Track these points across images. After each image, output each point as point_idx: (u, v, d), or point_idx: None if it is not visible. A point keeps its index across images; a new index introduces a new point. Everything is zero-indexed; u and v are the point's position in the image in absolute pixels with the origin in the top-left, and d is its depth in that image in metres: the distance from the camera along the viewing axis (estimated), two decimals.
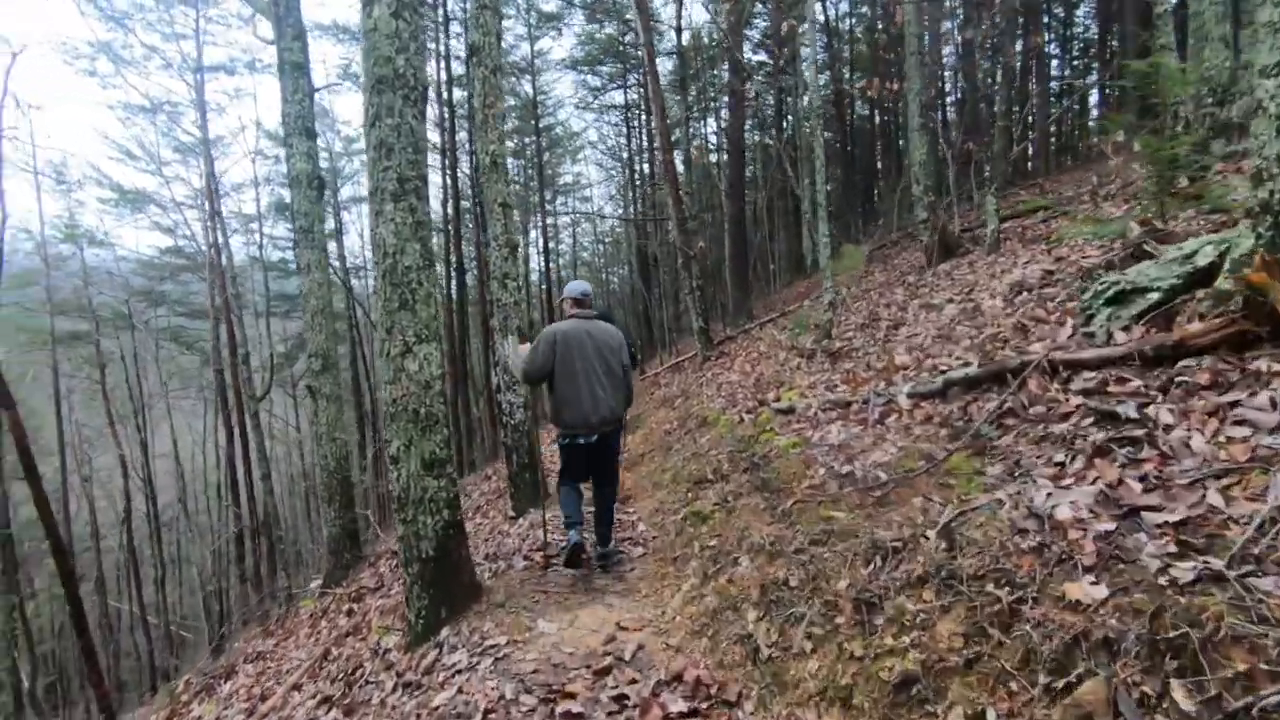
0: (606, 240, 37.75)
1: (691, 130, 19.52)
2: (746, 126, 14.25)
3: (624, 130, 27.91)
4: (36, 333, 20.61)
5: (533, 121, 25.84)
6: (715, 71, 19.42)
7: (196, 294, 22.65)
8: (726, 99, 11.31)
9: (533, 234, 29.44)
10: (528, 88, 25.56)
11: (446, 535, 4.08)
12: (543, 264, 28.84)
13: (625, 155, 29.11)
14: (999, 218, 7.95)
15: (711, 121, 23.97)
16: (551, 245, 31.64)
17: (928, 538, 2.51)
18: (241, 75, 20.13)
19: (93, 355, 21.56)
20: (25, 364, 21.70)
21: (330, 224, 23.70)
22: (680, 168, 18.53)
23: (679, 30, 15.68)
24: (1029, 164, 16.96)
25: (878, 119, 23.18)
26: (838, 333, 7.17)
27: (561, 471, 4.58)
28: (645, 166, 26.93)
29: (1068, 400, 2.95)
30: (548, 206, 29.25)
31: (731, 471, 5.09)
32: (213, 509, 22.17)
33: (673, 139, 13.30)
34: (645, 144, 26.49)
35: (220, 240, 18.35)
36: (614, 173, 31.28)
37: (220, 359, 19.62)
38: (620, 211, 33.75)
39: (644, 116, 26.41)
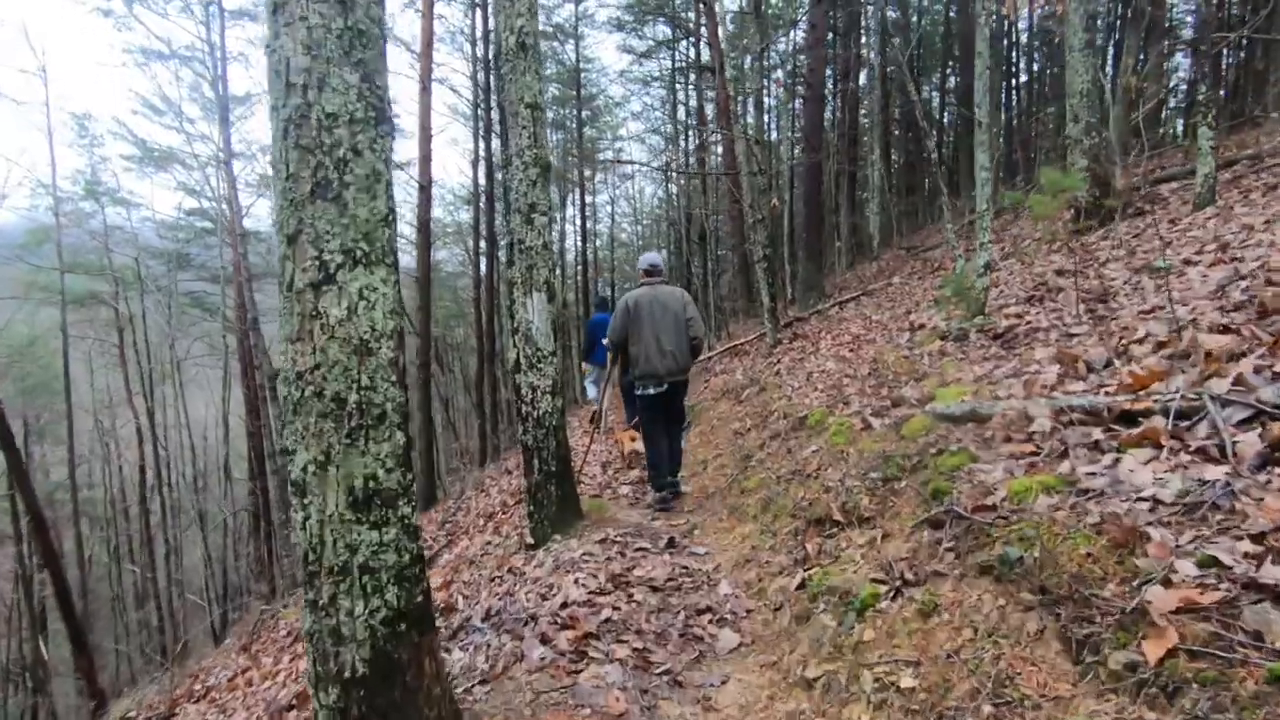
0: (645, 221, 35.64)
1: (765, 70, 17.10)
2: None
3: (670, 102, 25.65)
4: (52, 290, 19.21)
5: (574, 91, 23.75)
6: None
7: (219, 258, 21.05)
8: (802, 30, 9.15)
9: (570, 211, 27.43)
10: (570, 54, 23.47)
11: (391, 645, 2.07)
12: (580, 244, 26.89)
13: (670, 129, 26.87)
14: (1215, 162, 5.70)
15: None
16: (589, 225, 29.65)
17: None
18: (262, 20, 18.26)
19: (112, 317, 20.14)
20: (40, 323, 20.35)
21: None
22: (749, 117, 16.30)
23: None
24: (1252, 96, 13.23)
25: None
26: (995, 307, 5.00)
27: (645, 426, 5.17)
28: (691, 138, 24.77)
29: None
30: (587, 184, 27.24)
31: (882, 513, 3.02)
32: (226, 483, 20.68)
33: (735, 77, 11.06)
34: (692, 115, 24.26)
35: (236, 199, 16.64)
36: (657, 149, 29.04)
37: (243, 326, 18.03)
38: (661, 186, 31.61)
39: (690, 89, 24.16)
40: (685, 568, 3.82)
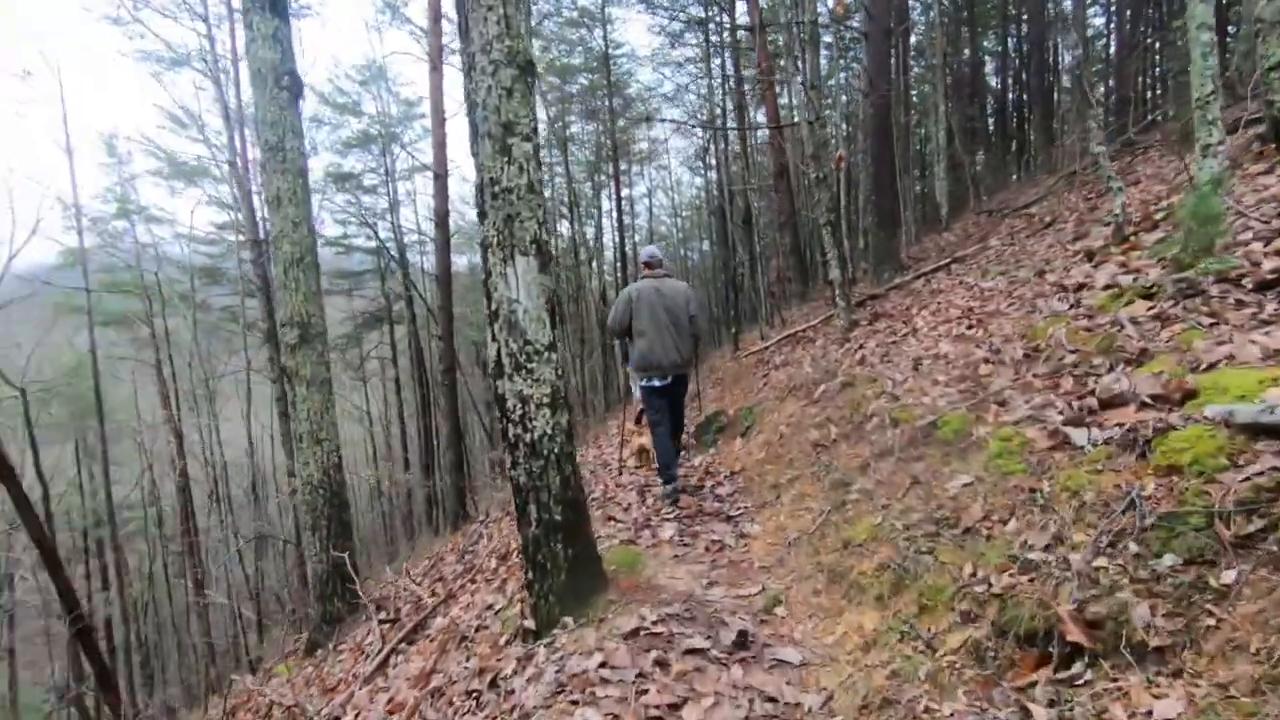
0: (684, 214, 33.94)
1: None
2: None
3: (705, 84, 23.83)
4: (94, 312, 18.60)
5: (604, 79, 22.16)
6: None
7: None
8: None
9: (606, 204, 25.93)
10: (598, 40, 21.89)
11: None
12: (617, 239, 25.35)
13: (705, 114, 25.05)
14: None
15: None
16: (627, 220, 28.07)
17: None
18: None
19: (148, 336, 19.46)
20: (83, 345, 19.81)
21: (384, 196, 20.78)
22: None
23: None
24: None
25: None
26: (1229, 244, 3.16)
27: (650, 416, 4.93)
28: (730, 120, 22.97)
29: None
30: (621, 177, 25.68)
31: (1191, 638, 1.32)
32: (254, 505, 19.79)
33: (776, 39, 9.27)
34: (730, 90, 22.44)
35: (257, 208, 15.58)
36: (693, 137, 27.25)
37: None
38: (700, 173, 29.87)
39: (727, 66, 22.31)
40: (771, 699, 2.17)
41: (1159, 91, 14.76)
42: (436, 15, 11.19)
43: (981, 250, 7.38)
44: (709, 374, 12.31)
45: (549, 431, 3.03)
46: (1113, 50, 16.72)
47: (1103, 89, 14.40)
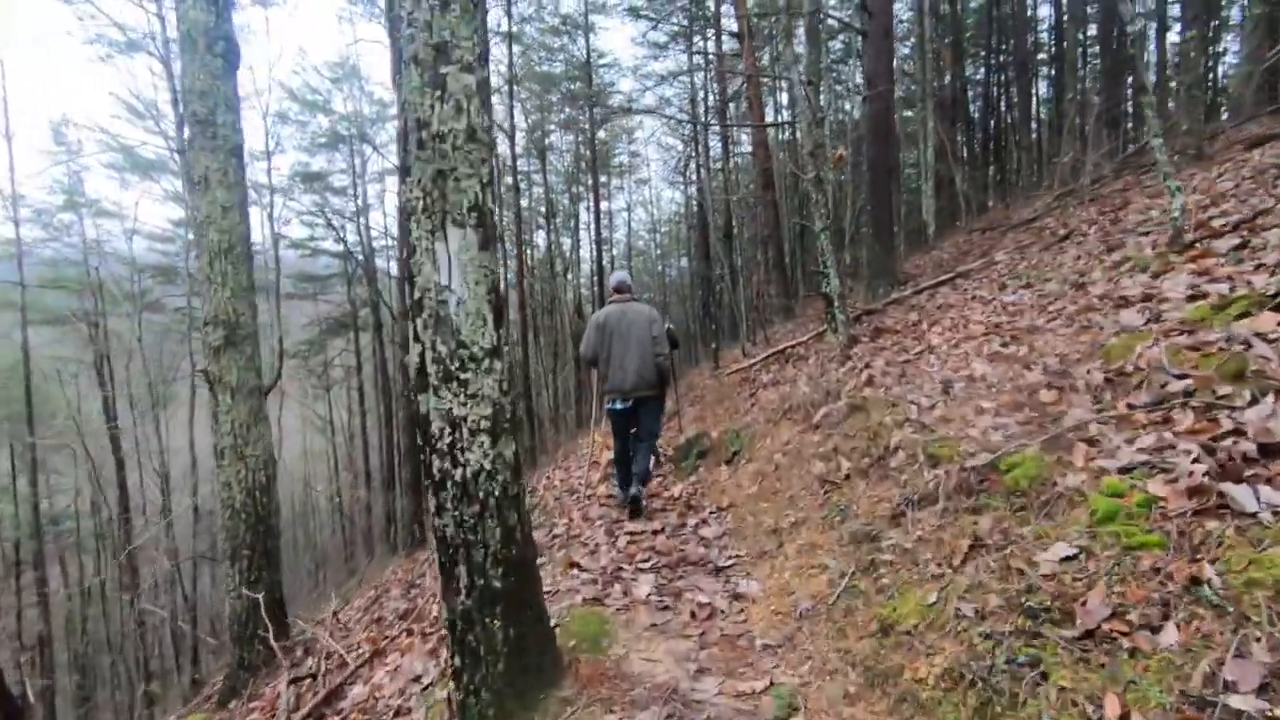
0: (663, 229, 33.37)
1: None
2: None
3: (688, 98, 23.34)
4: (33, 309, 17.25)
5: (586, 88, 21.50)
6: None
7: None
8: None
9: (585, 217, 25.16)
10: (580, 49, 21.21)
11: None
12: (595, 251, 24.56)
13: (689, 129, 24.54)
14: None
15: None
16: (605, 233, 27.33)
17: None
18: (246, 9, 16.19)
19: (91, 337, 18.14)
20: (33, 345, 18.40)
21: (353, 198, 19.71)
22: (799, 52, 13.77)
23: None
24: None
25: None
26: None
27: (614, 437, 4.94)
28: (715, 142, 22.48)
29: None
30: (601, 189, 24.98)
31: None
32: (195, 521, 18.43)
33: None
34: (713, 112, 21.93)
35: None
36: (674, 150, 26.73)
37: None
38: (680, 189, 29.35)
39: (709, 80, 21.82)
40: None
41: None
42: None
43: (988, 265, 6.72)
44: (687, 391, 11.53)
45: (488, 466, 2.19)
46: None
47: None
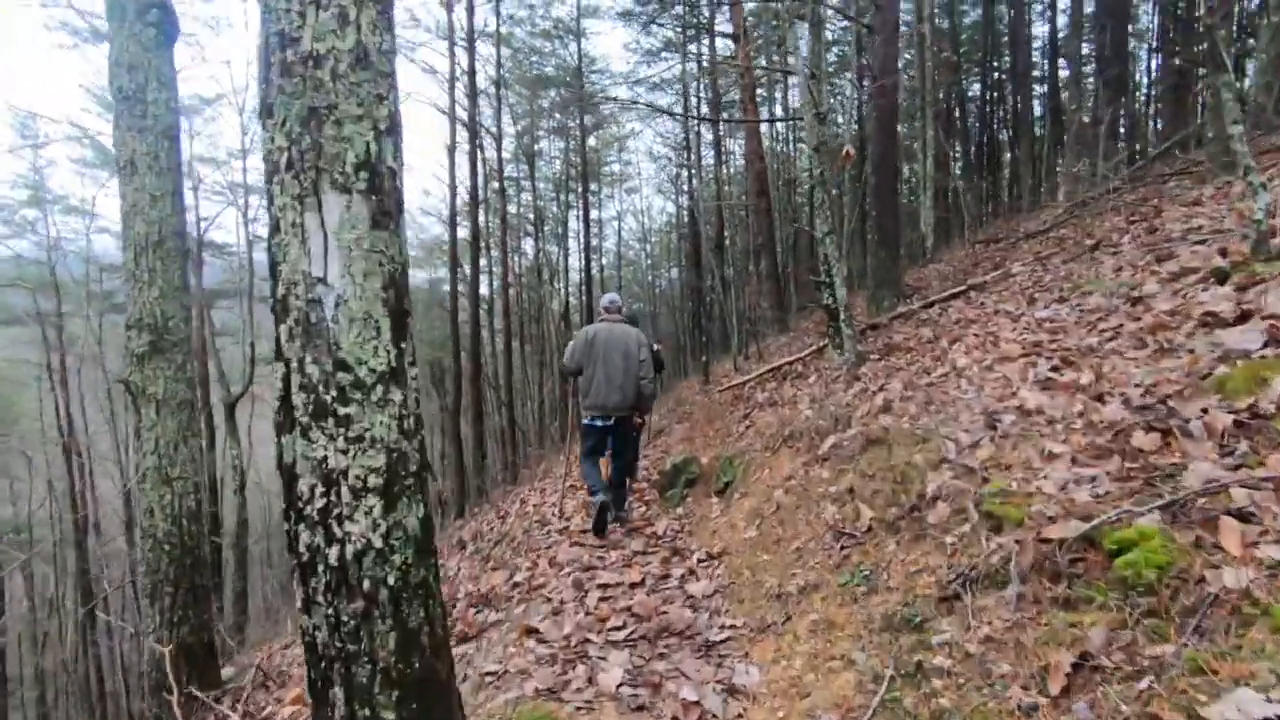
0: (654, 239, 32.77)
1: None
2: None
3: (681, 106, 22.82)
4: None
5: (578, 91, 20.88)
6: None
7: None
8: None
9: (575, 225, 24.44)
10: (571, 53, 20.58)
11: None
12: (583, 261, 23.86)
13: (683, 138, 24.01)
14: None
15: None
16: (595, 242, 26.65)
17: None
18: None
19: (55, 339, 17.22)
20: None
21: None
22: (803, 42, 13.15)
23: None
24: None
25: None
26: None
27: (583, 452, 4.88)
28: (708, 152, 21.95)
29: None
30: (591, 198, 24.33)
31: None
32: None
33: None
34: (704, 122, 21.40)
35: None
36: (666, 160, 26.18)
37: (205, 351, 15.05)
38: (671, 198, 28.84)
39: (701, 89, 21.30)
40: None
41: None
42: None
43: (1004, 277, 6.09)
44: (674, 407, 10.83)
45: (378, 543, 1.48)
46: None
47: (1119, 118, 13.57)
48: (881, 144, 6.95)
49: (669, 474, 5.46)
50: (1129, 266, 4.32)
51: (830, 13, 7.48)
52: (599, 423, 4.69)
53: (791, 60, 6.20)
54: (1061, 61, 19.02)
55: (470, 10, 13.48)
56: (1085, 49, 15.99)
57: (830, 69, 12.96)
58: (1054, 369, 3.12)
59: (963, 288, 6.22)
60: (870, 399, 4.11)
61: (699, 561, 3.63)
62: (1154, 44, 18.58)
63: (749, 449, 4.96)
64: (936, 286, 7.57)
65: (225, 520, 15.61)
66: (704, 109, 22.83)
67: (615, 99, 11.20)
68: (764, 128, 15.15)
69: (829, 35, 14.16)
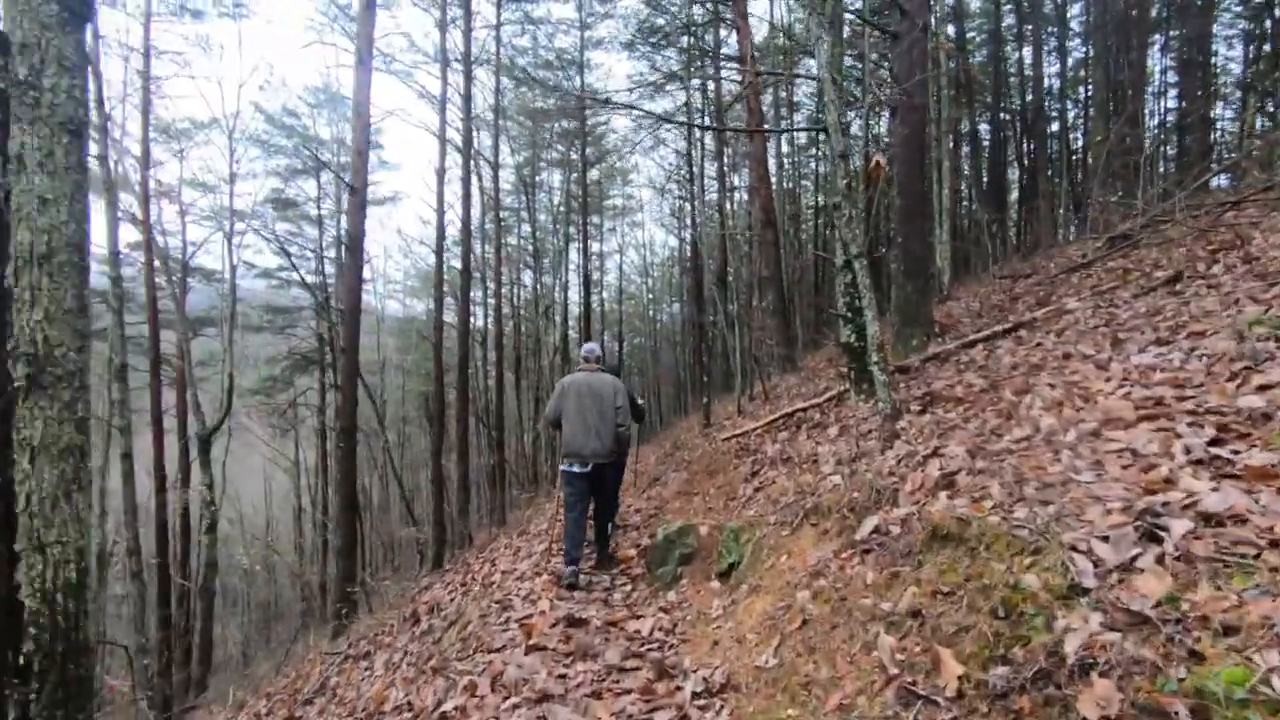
0: (655, 273, 32.01)
1: None
2: None
3: (685, 138, 22.24)
4: None
5: (580, 124, 20.30)
6: None
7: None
8: None
9: (574, 256, 23.64)
10: (575, 85, 20.00)
11: None
12: (583, 294, 23.01)
13: (686, 171, 23.39)
14: None
15: None
16: (595, 275, 25.83)
17: None
18: (213, 20, 14.76)
19: None
20: None
21: (331, 228, 18.14)
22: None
23: None
24: None
25: None
26: None
27: (566, 503, 4.89)
28: (712, 186, 21.35)
29: None
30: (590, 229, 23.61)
31: None
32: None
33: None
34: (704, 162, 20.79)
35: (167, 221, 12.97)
36: (669, 192, 25.55)
37: (187, 378, 14.08)
38: (672, 237, 28.18)
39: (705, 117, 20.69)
40: None
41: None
42: (370, 1, 8.98)
43: (1057, 314, 5.11)
44: (672, 451, 9.78)
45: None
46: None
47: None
48: (908, 164, 6.04)
49: (661, 547, 4.41)
50: (1248, 301, 3.34)
51: (850, 17, 6.64)
52: (576, 468, 4.72)
53: (811, 63, 5.33)
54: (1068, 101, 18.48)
55: (467, 34, 12.81)
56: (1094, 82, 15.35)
57: (846, 80, 12.17)
58: (1213, 441, 2.11)
59: (1009, 326, 5.24)
60: (922, 467, 3.09)
61: (693, 698, 2.57)
62: (1162, 85, 18.06)
63: (759, 520, 3.92)
64: (969, 325, 6.60)
65: (193, 563, 14.44)
66: (708, 141, 22.22)
67: (609, 100, 10.29)
68: (770, 160, 14.39)
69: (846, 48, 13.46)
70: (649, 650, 3.18)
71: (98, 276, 17.17)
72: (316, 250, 18.06)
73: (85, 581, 4.29)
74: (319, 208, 18.18)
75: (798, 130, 10.86)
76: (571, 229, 23.30)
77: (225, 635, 19.57)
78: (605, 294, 29.13)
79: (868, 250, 4.62)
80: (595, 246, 25.83)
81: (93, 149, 12.14)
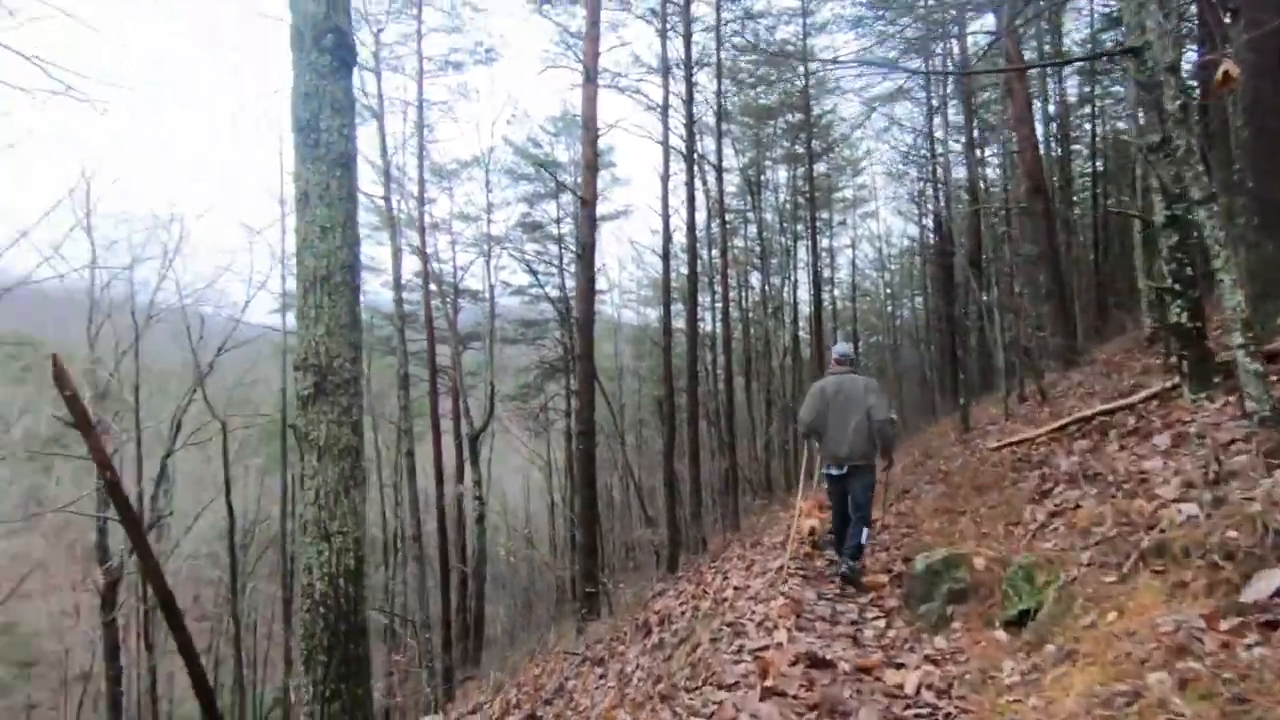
0: (892, 266, 29.45)
1: None
2: None
3: (923, 113, 20.16)
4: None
5: (804, 116, 19.26)
6: None
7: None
8: None
9: (802, 254, 22.59)
10: (798, 75, 19.05)
11: None
12: (813, 293, 21.86)
13: (926, 150, 21.21)
14: None
15: None
16: (825, 272, 24.39)
17: None
18: (469, 69, 16.48)
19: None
20: None
21: (572, 244, 19.54)
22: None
23: None
24: None
25: None
26: None
27: (831, 501, 5.19)
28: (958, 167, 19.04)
29: None
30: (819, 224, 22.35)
31: None
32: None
33: None
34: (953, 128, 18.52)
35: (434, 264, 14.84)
36: (906, 175, 23.35)
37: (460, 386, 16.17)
38: (911, 225, 25.67)
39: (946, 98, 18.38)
40: None
41: None
42: (594, 19, 9.27)
43: None
44: (922, 460, 8.55)
45: None
46: None
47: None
48: (1261, 73, 4.41)
49: (923, 578, 3.62)
50: None
51: None
52: (832, 470, 4.89)
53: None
54: None
55: (687, 38, 12.78)
56: None
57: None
58: None
59: None
60: None
61: None
62: None
63: (1064, 557, 2.97)
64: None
65: (467, 547, 16.20)
66: (953, 114, 19.89)
67: (836, 60, 9.36)
68: (1038, 124, 12.14)
69: None
70: (917, 717, 2.50)
71: (387, 301, 20.31)
72: (559, 267, 19.48)
73: (363, 569, 4.67)
74: (559, 227, 19.62)
75: (1086, 59, 8.91)
76: (800, 226, 22.34)
77: (495, 614, 21.82)
78: (837, 291, 27.44)
79: (1207, 195, 3.34)
80: (825, 242, 24.47)
81: (378, 190, 14.36)
